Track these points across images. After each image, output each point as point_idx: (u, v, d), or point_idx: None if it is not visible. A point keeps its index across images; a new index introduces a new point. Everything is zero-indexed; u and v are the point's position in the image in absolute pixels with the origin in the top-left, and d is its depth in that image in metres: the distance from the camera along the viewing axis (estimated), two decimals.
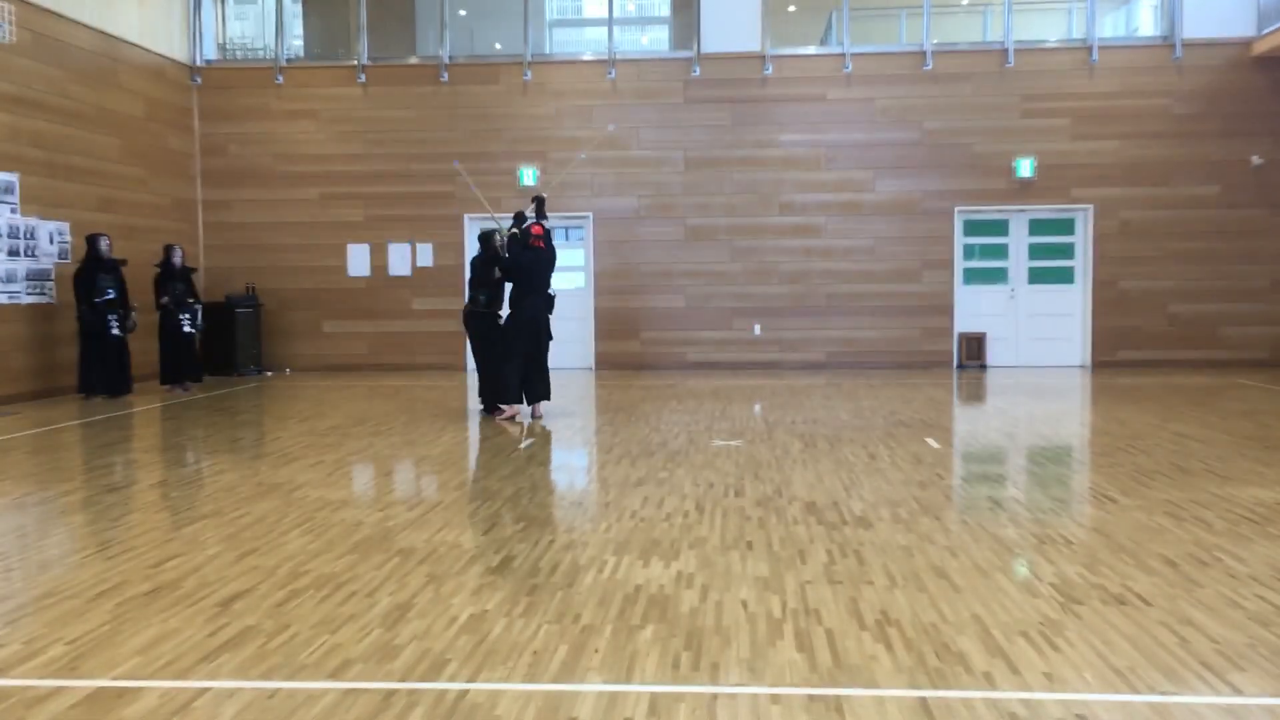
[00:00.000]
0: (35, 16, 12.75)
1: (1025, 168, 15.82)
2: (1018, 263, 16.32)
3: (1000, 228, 16.31)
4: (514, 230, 10.50)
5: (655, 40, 18.76)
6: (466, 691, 3.61)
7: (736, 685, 3.64)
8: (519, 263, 10.37)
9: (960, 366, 16.09)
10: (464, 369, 16.37)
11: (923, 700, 3.50)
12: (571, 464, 8.57)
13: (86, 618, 4.43)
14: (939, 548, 5.45)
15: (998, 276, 16.38)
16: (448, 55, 16.42)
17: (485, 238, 11.02)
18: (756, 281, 16.26)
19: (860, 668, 3.79)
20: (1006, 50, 15.88)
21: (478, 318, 10.88)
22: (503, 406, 10.58)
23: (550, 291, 10.63)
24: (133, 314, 13.02)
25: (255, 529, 5.98)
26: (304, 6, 18.08)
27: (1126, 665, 3.79)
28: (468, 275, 11.22)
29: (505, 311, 10.68)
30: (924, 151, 16.01)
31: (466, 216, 16.50)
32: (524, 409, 10.62)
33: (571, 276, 17.00)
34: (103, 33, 14.12)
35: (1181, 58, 15.68)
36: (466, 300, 11.24)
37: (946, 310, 16.14)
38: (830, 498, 6.72)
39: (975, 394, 13.10)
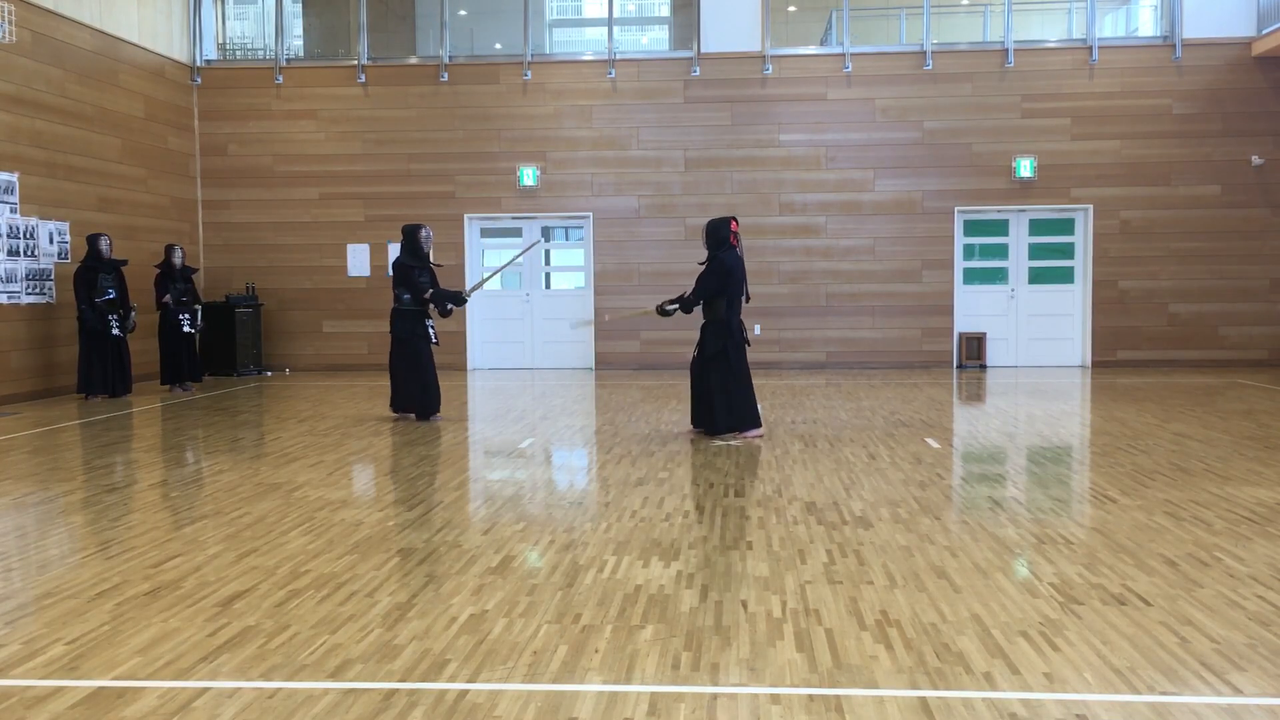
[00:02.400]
0: (35, 16, 12.75)
1: (1025, 168, 15.82)
2: (1018, 263, 16.32)
3: (1000, 228, 16.31)
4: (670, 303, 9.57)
5: (655, 40, 18.76)
6: (466, 691, 3.61)
7: (736, 685, 3.64)
8: (727, 264, 9.13)
9: (960, 366, 16.08)
10: (465, 369, 16.37)
11: (923, 700, 3.49)
12: (571, 464, 8.57)
13: (86, 618, 4.43)
14: (939, 548, 5.45)
15: (998, 276, 16.38)
16: (448, 55, 16.42)
17: (410, 234, 10.51)
18: (756, 281, 16.15)
19: (860, 668, 3.79)
20: (1006, 50, 15.88)
21: (406, 315, 10.40)
22: (738, 434, 9.26)
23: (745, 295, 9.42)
24: (133, 314, 13.03)
25: (255, 529, 5.98)
26: (304, 6, 18.09)
27: (1126, 665, 3.79)
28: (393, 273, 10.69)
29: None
30: (924, 151, 16.01)
31: (467, 216, 16.50)
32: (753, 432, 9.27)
33: (571, 276, 17.02)
34: (103, 32, 14.13)
35: (1181, 58, 15.68)
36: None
37: (946, 310, 16.14)
38: (830, 497, 6.72)
39: (975, 394, 13.10)
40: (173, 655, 3.97)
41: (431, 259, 10.79)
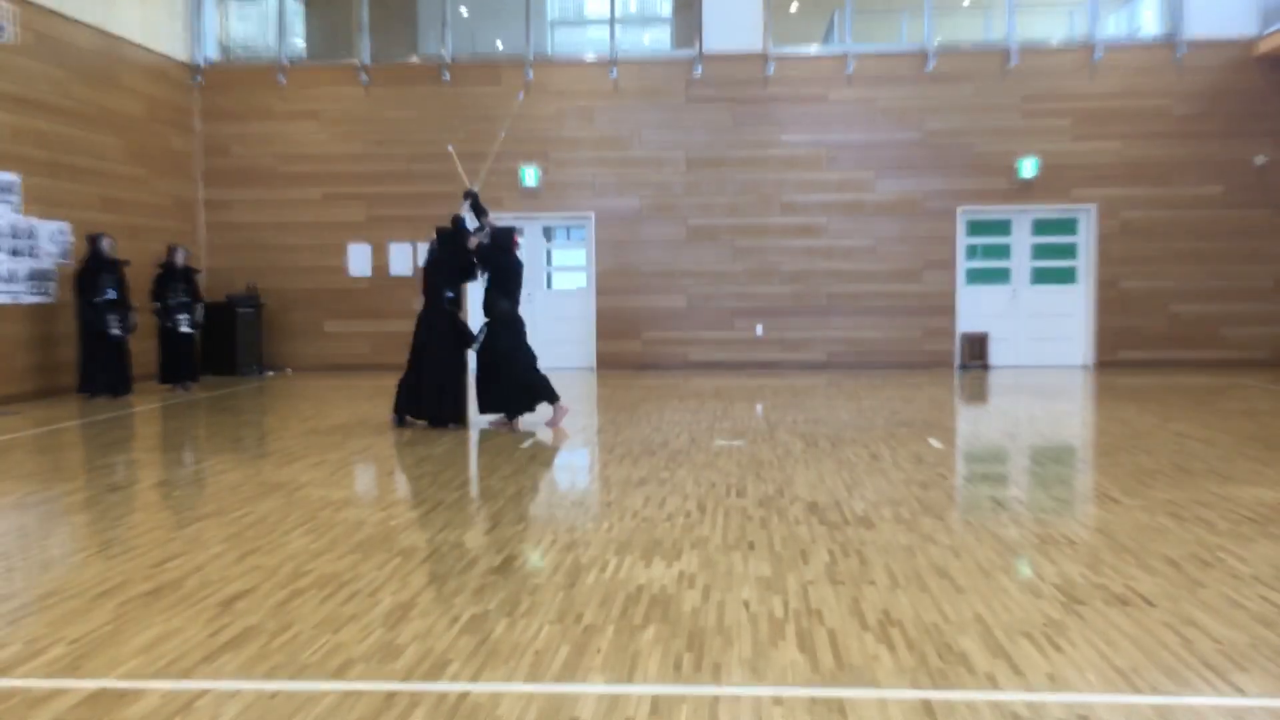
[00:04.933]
0: (37, 17, 12.76)
1: (1027, 168, 15.81)
2: (1020, 263, 16.31)
3: (1002, 228, 16.30)
4: (482, 226, 10.25)
5: (657, 40, 18.75)
6: (468, 692, 3.60)
7: (738, 686, 3.64)
8: (512, 269, 10.06)
9: (962, 366, 16.08)
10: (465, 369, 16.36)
11: (925, 701, 3.49)
12: (573, 464, 8.57)
13: (88, 617, 4.43)
14: (941, 548, 5.44)
15: (1000, 276, 16.38)
16: (449, 55, 16.42)
17: (451, 233, 10.29)
18: (758, 281, 16.25)
19: (862, 668, 3.78)
20: (1009, 50, 15.87)
21: (449, 319, 10.15)
22: (509, 418, 10.08)
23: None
24: (133, 314, 13.03)
25: (257, 528, 5.98)
26: (306, 6, 18.08)
27: (1129, 666, 3.79)
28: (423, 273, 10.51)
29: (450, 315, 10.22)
30: (926, 151, 16.00)
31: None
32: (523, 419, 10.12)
33: (573, 276, 17.02)
34: (105, 33, 14.13)
35: (1183, 58, 15.66)
36: (427, 301, 10.31)
37: (948, 310, 16.13)
38: (832, 498, 6.71)
39: (977, 394, 13.09)
40: (174, 655, 3.97)
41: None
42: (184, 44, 16.24)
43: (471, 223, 10.44)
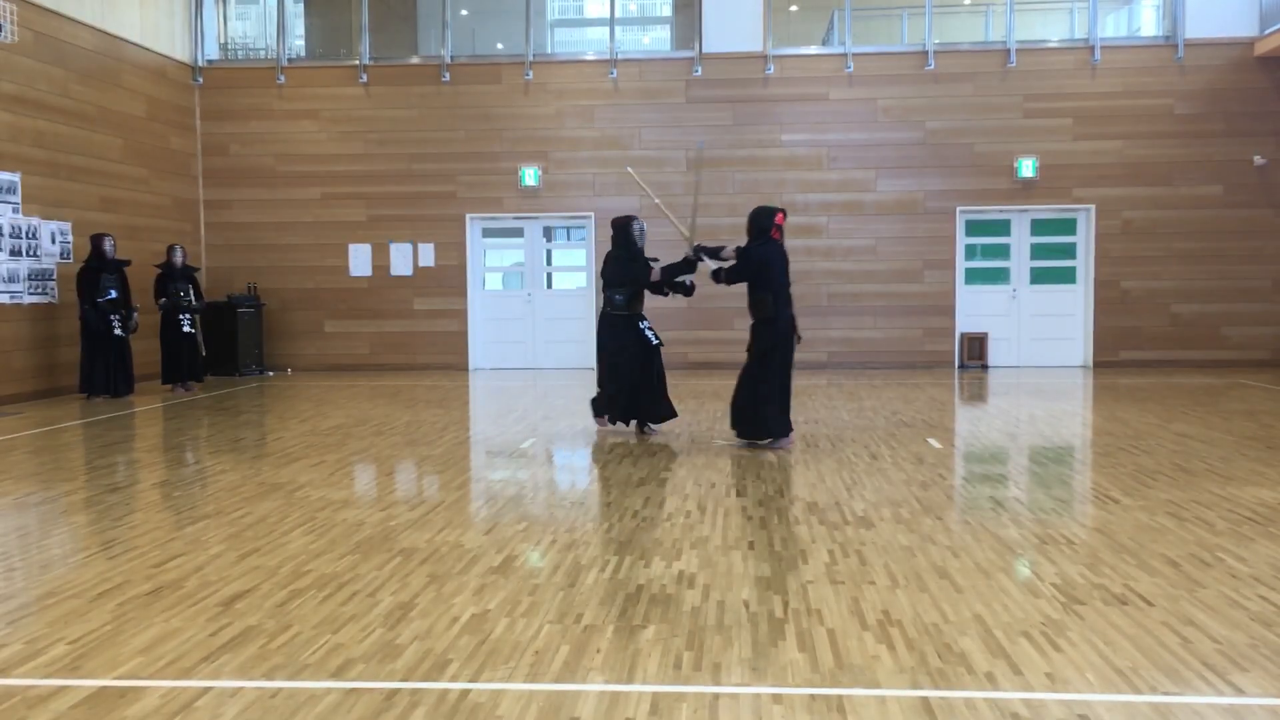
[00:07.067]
0: (37, 16, 12.76)
1: (1027, 168, 15.81)
2: (1019, 263, 16.31)
3: (1002, 228, 16.30)
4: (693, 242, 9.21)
5: (657, 40, 18.76)
6: (468, 691, 3.61)
7: (738, 685, 3.64)
8: (764, 257, 8.62)
9: (962, 366, 16.07)
10: (466, 369, 16.37)
11: (925, 700, 3.49)
12: (573, 464, 8.57)
13: (88, 617, 4.43)
14: (941, 548, 5.45)
15: (999, 276, 16.37)
16: (449, 55, 16.42)
17: (622, 226, 9.62)
18: None
19: (862, 668, 3.78)
20: (1009, 50, 15.87)
21: (617, 321, 9.40)
22: (750, 441, 8.82)
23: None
24: (134, 314, 13.03)
25: (257, 529, 5.98)
26: (305, 6, 18.09)
27: (1129, 665, 3.79)
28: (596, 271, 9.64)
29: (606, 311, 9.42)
30: (926, 151, 16.00)
31: (468, 216, 16.50)
32: (787, 440, 8.73)
33: (573, 276, 17.02)
34: (104, 32, 14.13)
35: (1184, 58, 15.66)
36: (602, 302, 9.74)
37: (948, 310, 16.13)
38: (832, 498, 6.72)
39: (977, 394, 13.09)
40: (175, 655, 3.97)
41: (646, 253, 9.60)
42: (184, 44, 16.24)
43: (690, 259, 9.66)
